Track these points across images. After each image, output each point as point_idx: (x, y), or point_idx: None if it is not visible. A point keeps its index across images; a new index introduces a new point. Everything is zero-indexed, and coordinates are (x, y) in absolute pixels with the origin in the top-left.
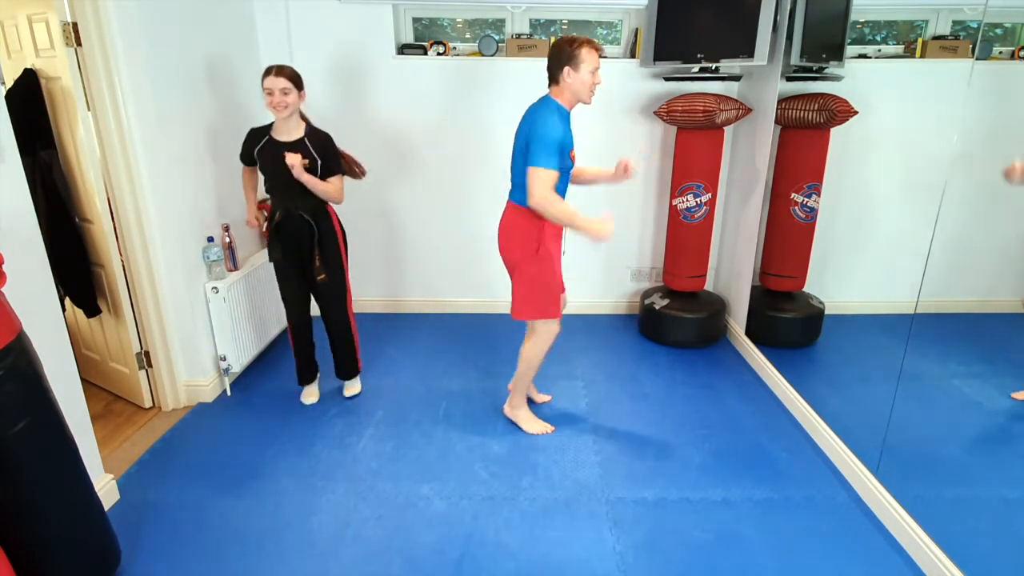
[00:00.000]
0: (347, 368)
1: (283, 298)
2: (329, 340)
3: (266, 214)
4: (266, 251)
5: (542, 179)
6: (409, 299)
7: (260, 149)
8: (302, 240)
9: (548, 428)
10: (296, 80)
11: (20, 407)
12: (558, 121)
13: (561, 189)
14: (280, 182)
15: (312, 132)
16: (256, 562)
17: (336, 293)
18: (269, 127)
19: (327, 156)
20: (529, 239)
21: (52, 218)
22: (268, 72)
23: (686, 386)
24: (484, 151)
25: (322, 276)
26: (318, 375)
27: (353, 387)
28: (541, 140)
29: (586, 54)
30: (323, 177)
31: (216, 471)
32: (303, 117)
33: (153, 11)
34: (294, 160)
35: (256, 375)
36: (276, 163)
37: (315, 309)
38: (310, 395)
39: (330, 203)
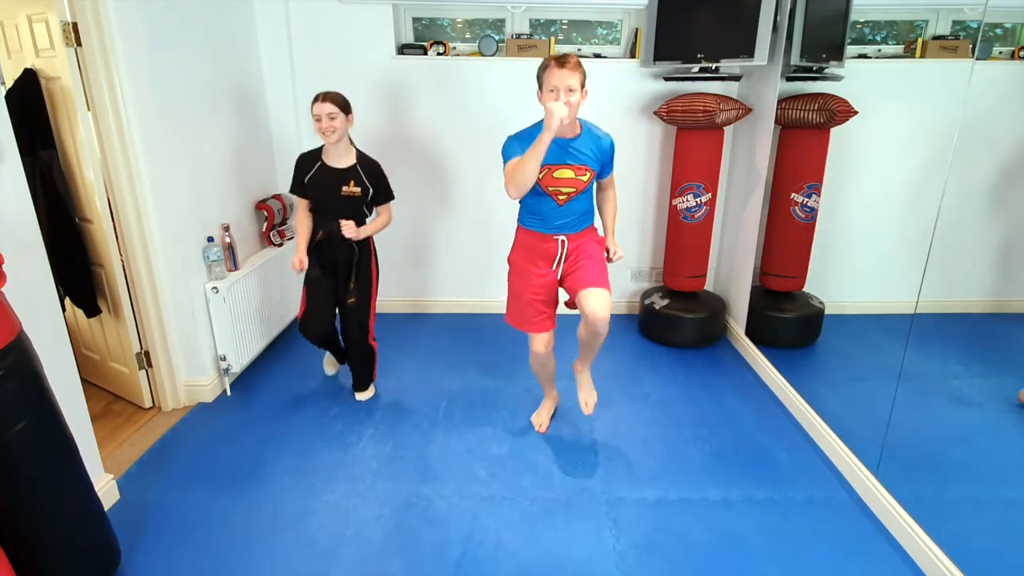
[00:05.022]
0: (362, 383)
1: (311, 310)
2: (347, 357)
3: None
4: (266, 251)
5: (504, 173)
6: (409, 299)
7: (312, 176)
8: (339, 261)
9: (539, 426)
10: (343, 105)
11: (20, 407)
12: (518, 138)
13: (537, 209)
14: (328, 207)
15: (364, 160)
16: (256, 562)
17: (362, 316)
18: (319, 152)
19: (378, 185)
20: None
21: (52, 218)
22: (316, 99)
23: (686, 386)
24: (482, 151)
25: (352, 299)
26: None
27: (365, 394)
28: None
29: (545, 74)
30: (373, 204)
31: (216, 471)
32: (352, 143)
33: (153, 11)
34: (350, 230)
35: (256, 375)
36: (328, 189)
37: None
38: (331, 364)
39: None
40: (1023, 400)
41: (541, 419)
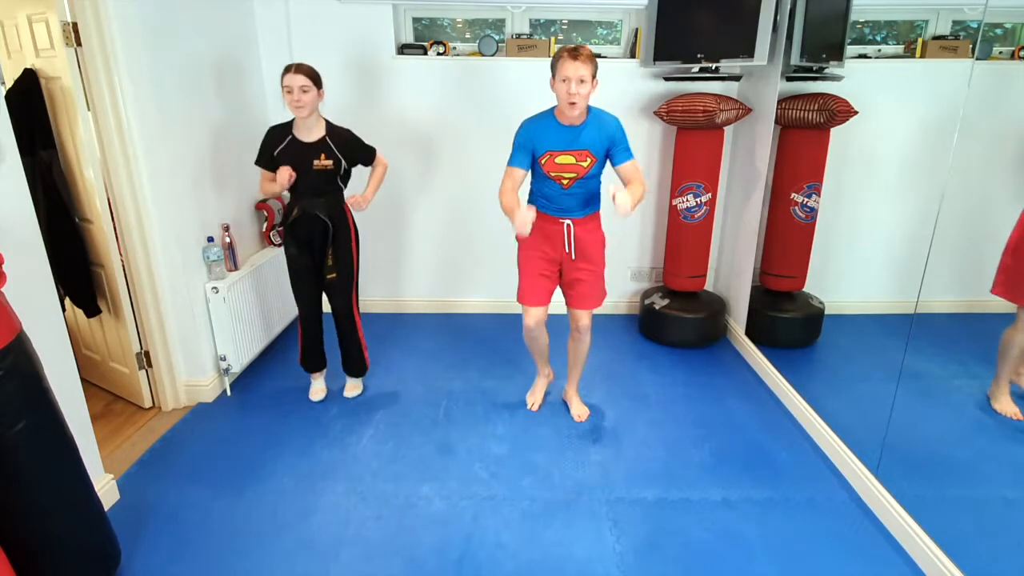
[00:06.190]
0: (355, 365)
1: (294, 292)
2: (338, 335)
3: (281, 208)
4: (266, 251)
5: (505, 168)
6: (410, 299)
7: (282, 149)
8: (315, 237)
9: (531, 404)
10: (315, 78)
11: (20, 407)
12: (530, 123)
13: (544, 191)
14: (302, 182)
15: (333, 131)
16: (256, 562)
17: (344, 291)
18: (289, 125)
19: (353, 152)
20: None
21: (52, 218)
22: (287, 70)
23: (686, 386)
24: (484, 151)
25: (332, 275)
26: (325, 368)
27: (355, 387)
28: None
29: (558, 65)
30: (363, 165)
31: (216, 471)
32: (321, 115)
33: (153, 11)
34: (359, 205)
35: (256, 375)
36: (299, 163)
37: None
38: (318, 392)
39: (348, 203)
40: (992, 404)
41: (535, 397)
